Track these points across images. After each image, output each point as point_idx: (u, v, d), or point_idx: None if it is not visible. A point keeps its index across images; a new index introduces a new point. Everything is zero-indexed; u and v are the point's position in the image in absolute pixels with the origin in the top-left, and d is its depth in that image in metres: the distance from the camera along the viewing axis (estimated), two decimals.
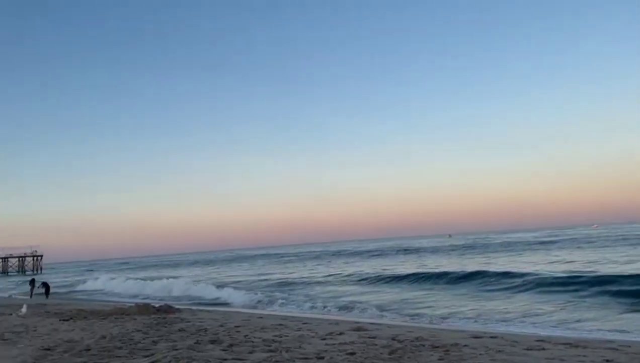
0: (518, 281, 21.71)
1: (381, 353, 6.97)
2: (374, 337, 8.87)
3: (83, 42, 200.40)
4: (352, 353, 6.92)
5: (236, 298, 23.62)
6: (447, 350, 7.17)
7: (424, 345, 7.69)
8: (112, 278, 44.46)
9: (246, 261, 78.06)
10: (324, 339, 8.78)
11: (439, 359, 6.48)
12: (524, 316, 13.80)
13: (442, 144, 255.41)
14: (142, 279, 41.40)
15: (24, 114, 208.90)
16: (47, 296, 30.32)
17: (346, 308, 17.84)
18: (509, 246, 56.95)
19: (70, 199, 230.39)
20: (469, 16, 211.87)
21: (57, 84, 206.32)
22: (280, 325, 11.39)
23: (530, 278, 21.89)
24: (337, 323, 12.28)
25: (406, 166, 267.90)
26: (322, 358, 6.61)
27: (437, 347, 7.49)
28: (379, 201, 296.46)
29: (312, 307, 18.89)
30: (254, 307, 19.98)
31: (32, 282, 34.31)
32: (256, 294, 24.01)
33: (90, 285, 42.55)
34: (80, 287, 41.70)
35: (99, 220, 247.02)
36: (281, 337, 9.05)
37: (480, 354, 6.89)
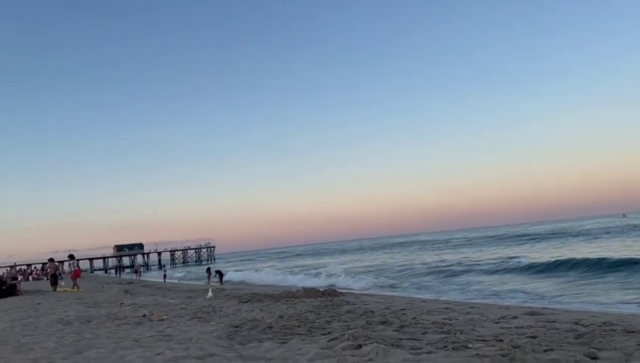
0: None
1: (566, 337, 6.51)
2: (552, 321, 8.32)
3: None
4: (534, 337, 6.56)
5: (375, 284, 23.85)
6: None
7: (614, 330, 7.02)
8: (257, 270, 47.90)
9: (395, 248, 78.14)
10: (498, 322, 8.46)
11: (638, 345, 5.86)
12: None
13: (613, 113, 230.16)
14: (288, 269, 43.89)
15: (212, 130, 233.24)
16: (221, 283, 33.79)
17: (509, 294, 17.03)
18: None
19: (237, 194, 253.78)
20: None
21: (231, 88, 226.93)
22: (447, 308, 11.23)
23: None
24: (507, 307, 11.79)
25: (572, 139, 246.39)
26: (501, 340, 6.37)
27: (632, 332, 6.78)
28: (536, 180, 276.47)
29: (474, 292, 18.35)
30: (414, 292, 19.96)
31: (209, 270, 38.66)
32: (409, 282, 23.97)
33: (230, 275, 46.13)
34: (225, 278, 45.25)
35: (262, 212, 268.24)
36: (450, 320, 8.91)
37: None
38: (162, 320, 9.83)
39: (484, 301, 15.02)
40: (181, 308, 12.33)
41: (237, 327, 8.56)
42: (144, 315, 10.54)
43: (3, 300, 17.54)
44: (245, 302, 13.73)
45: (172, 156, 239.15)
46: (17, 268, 62.98)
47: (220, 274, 35.90)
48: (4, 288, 19.47)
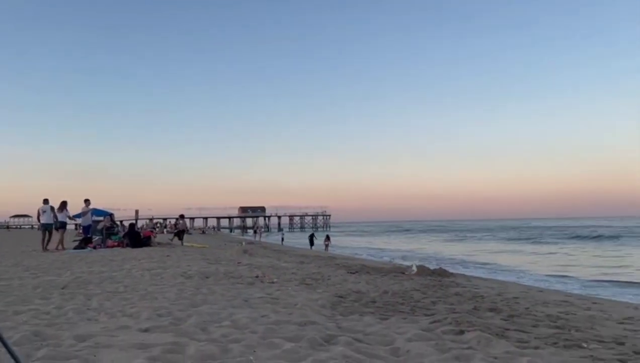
0: None
1: None
2: None
3: None
4: None
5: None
6: None
7: None
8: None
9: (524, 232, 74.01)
10: (622, 323, 7.71)
11: None
12: None
13: None
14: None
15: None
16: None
17: None
18: None
19: (352, 169, 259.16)
20: None
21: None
22: (565, 301, 10.46)
23: None
24: (636, 308, 10.70)
25: None
26: (622, 343, 5.80)
27: None
28: None
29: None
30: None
31: (311, 236, 42.28)
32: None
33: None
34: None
35: (375, 186, 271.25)
36: (567, 314, 8.29)
37: None
38: (273, 282, 10.32)
39: (611, 297, 13.79)
40: (292, 273, 12.84)
41: (341, 297, 8.72)
42: (257, 276, 11.14)
43: (140, 249, 19.56)
44: (353, 273, 13.93)
45: (297, 125, 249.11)
46: (155, 221, 69.62)
47: (311, 238, 42.62)
48: (141, 238, 21.70)
